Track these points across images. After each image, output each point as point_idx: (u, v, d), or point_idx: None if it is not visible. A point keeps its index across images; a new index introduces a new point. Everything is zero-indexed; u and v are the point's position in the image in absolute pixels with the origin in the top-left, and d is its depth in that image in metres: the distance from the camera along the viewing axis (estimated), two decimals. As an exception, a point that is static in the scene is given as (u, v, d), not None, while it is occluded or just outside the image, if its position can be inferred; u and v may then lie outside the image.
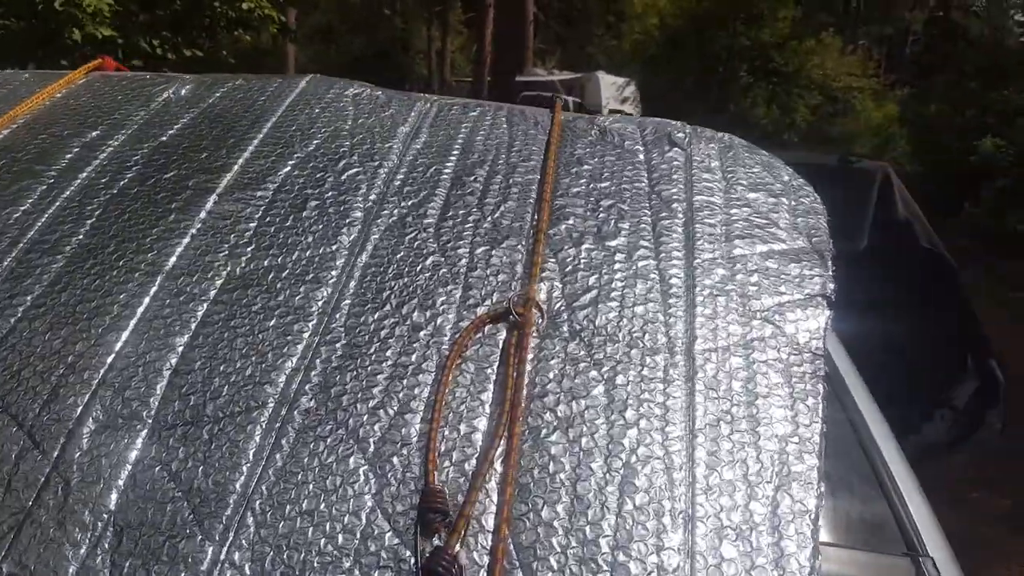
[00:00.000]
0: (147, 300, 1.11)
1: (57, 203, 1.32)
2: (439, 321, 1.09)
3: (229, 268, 1.16)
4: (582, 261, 1.18)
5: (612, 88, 22.62)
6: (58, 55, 6.17)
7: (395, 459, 0.93)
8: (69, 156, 1.44)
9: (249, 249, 1.20)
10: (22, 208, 1.31)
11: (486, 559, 0.84)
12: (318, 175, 1.36)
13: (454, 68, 23.38)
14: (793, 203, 1.34)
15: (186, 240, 1.21)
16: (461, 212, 1.28)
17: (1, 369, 1.03)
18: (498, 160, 1.41)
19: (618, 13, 22.98)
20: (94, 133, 1.51)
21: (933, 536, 1.15)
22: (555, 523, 0.87)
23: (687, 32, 18.53)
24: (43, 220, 1.28)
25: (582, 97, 22.53)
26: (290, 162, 1.39)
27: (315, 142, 1.45)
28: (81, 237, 1.24)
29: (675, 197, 1.32)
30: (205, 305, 1.10)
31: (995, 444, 2.48)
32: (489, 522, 0.87)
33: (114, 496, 0.90)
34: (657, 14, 19.55)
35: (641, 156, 1.43)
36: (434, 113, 1.56)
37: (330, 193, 1.31)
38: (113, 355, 1.03)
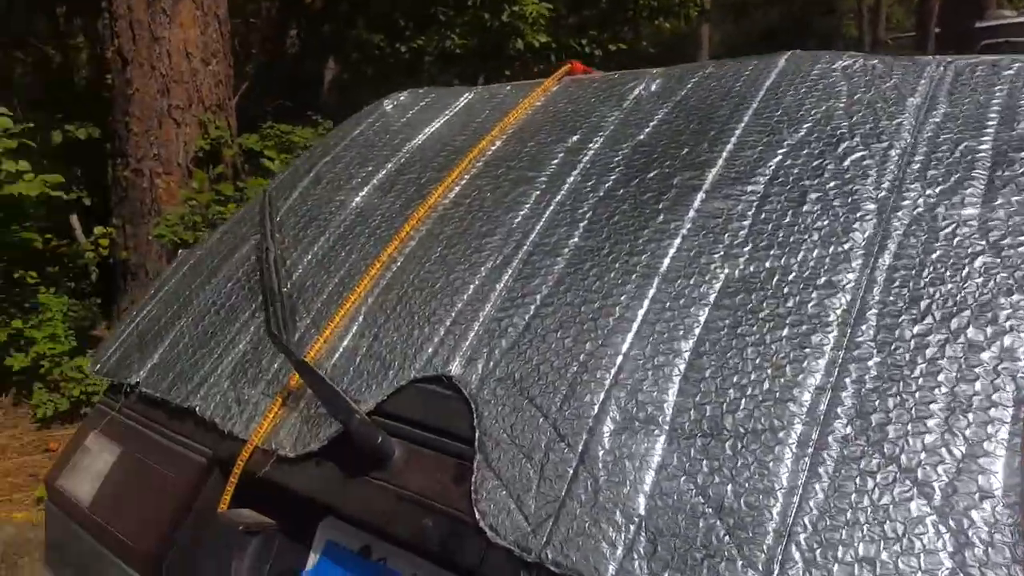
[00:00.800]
0: (646, 303, 1.08)
1: (551, 207, 1.36)
2: (1008, 342, 0.86)
3: (727, 271, 1.08)
4: None
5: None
6: (502, 66, 6.74)
7: (974, 514, 0.76)
8: (555, 161, 1.49)
9: (746, 250, 1.10)
10: (521, 213, 1.37)
11: None
12: (815, 163, 1.20)
13: (890, 24, 20.60)
14: None
15: (677, 241, 1.16)
16: (1015, 199, 1.02)
17: (522, 363, 1.07)
18: None
19: None
20: (574, 137, 1.53)
21: None
22: None
23: None
24: (541, 224, 1.33)
25: (1067, 37, 18.02)
26: (780, 151, 1.24)
27: (806, 126, 1.28)
28: (576, 239, 1.26)
29: None
30: (706, 310, 1.03)
31: None
32: None
33: (642, 500, 0.87)
34: None
35: None
36: (951, 78, 1.29)
37: (832, 183, 1.15)
38: (621, 356, 1.02)
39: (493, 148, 1.62)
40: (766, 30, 20.05)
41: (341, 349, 1.27)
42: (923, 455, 0.81)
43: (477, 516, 0.93)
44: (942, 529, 0.76)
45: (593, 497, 0.89)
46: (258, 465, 1.17)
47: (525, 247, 1.29)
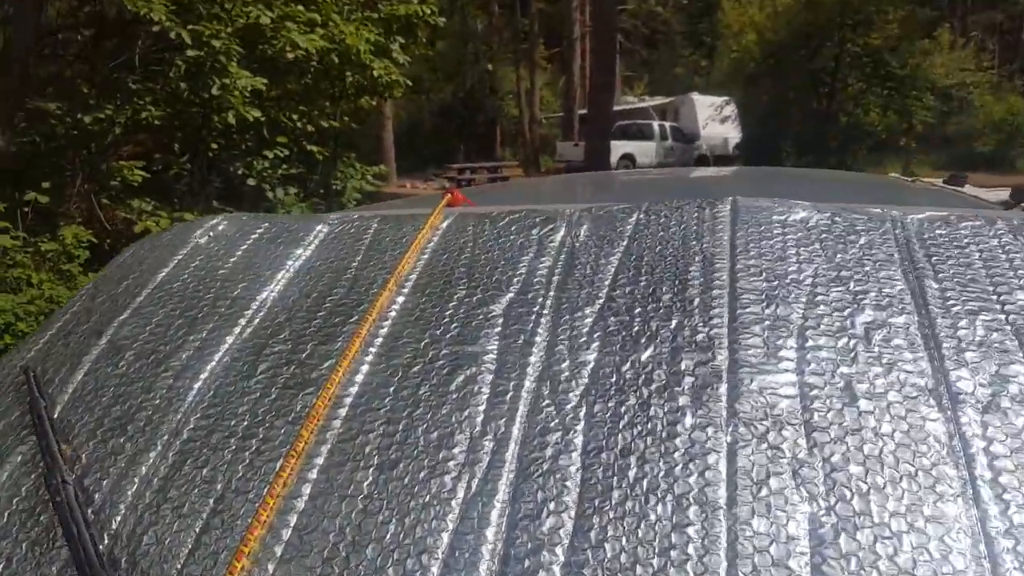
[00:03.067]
0: None
1: (523, 402, 1.14)
2: None
3: None
4: None
5: (709, 109, 22.09)
6: (207, 140, 6.31)
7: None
8: (496, 329, 1.22)
9: None
10: (478, 407, 1.11)
11: None
12: None
13: (543, 104, 23.42)
14: None
15: None
16: None
17: None
18: None
19: (709, 32, 22.52)
20: (508, 295, 1.27)
21: None
22: None
23: (789, 45, 17.79)
24: (519, 421, 1.08)
25: (676, 120, 22.17)
26: None
27: None
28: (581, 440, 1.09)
29: None
30: None
31: None
32: None
33: None
34: (755, 30, 18.89)
35: None
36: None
37: None
38: None
39: (396, 307, 1.28)
40: (441, 104, 21.53)
41: None
42: None
43: None
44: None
45: None
46: None
47: (512, 448, 1.01)
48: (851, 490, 0.86)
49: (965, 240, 1.21)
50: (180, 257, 1.51)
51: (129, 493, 1.05)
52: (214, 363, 1.22)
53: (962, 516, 0.82)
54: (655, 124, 20.39)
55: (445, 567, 0.88)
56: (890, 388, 0.96)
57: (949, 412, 0.92)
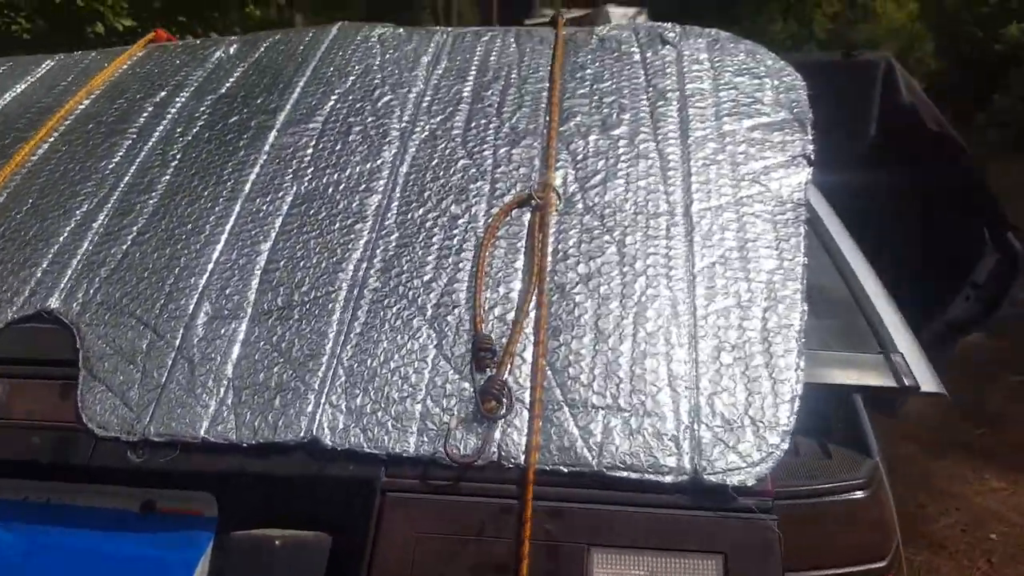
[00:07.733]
0: (232, 219, 1.32)
1: (143, 153, 1.53)
2: (473, 211, 1.28)
3: (295, 188, 1.36)
4: (591, 150, 1.36)
5: (623, 19, 22.08)
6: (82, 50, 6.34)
7: (449, 317, 1.13)
8: (145, 115, 1.64)
9: (309, 171, 1.40)
10: (114, 160, 1.52)
11: (528, 382, 1.04)
12: (357, 105, 1.55)
13: (461, 19, 23.07)
14: (776, 83, 1.48)
15: (256, 169, 1.42)
16: (483, 122, 1.46)
17: (122, 286, 1.23)
18: (511, 75, 1.58)
19: (620, -59, 22.07)
20: (162, 93, 1.71)
21: (903, 337, 1.19)
22: (582, 351, 1.07)
23: (691, -47, 17.90)
24: (134, 168, 1.49)
25: (592, 33, 22.17)
26: (332, 97, 1.59)
27: (351, 78, 1.64)
28: (168, 177, 1.45)
29: (669, 88, 1.48)
30: (279, 219, 1.31)
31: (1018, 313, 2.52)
32: (528, 355, 1.07)
33: (230, 367, 1.09)
34: (660, -63, 18.80)
35: (637, 56, 1.59)
36: (450, 42, 1.74)
37: (370, 119, 1.50)
38: (212, 263, 1.24)
39: (82, 107, 1.70)
40: (359, 18, 20.91)
41: None
42: (422, 289, 1.16)
43: (85, 420, 1.05)
44: (431, 332, 1.11)
45: (189, 375, 1.08)
46: None
47: (120, 188, 1.43)
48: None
49: None
50: None
51: None
52: None
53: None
54: (571, 37, 20.30)
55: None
56: None
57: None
